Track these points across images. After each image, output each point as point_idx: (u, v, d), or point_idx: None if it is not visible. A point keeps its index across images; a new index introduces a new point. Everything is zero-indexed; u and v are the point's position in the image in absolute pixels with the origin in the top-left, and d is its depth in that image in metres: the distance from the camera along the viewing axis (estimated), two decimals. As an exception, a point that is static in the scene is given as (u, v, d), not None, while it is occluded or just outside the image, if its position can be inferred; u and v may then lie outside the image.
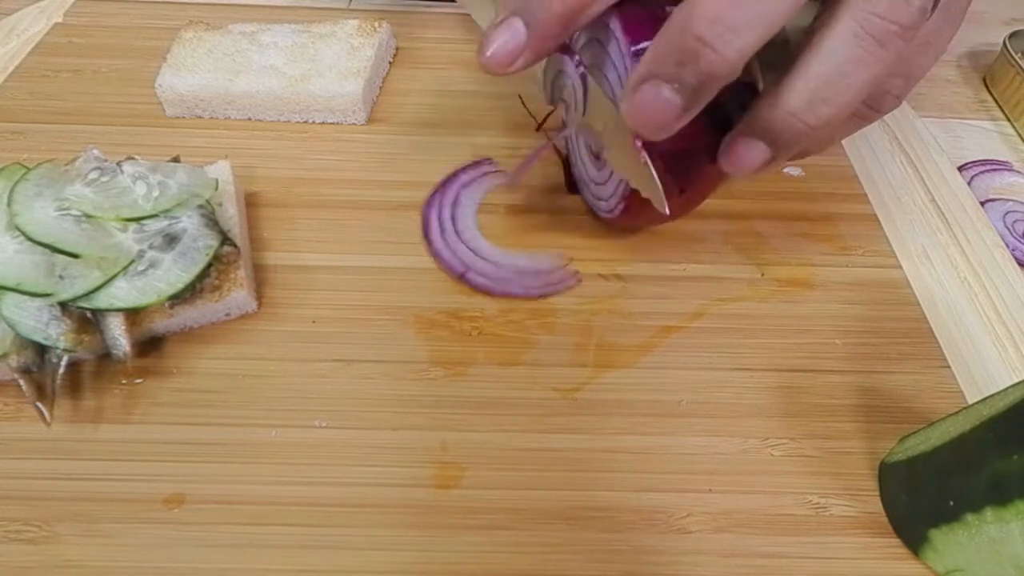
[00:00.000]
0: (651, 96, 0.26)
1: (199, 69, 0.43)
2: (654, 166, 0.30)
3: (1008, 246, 0.40)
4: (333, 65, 0.44)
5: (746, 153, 0.28)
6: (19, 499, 0.28)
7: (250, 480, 0.29)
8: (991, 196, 0.44)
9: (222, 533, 0.27)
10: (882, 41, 0.25)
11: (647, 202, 0.33)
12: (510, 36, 0.28)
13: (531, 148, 0.43)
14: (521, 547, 0.27)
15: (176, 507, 0.28)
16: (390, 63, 0.49)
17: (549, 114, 0.44)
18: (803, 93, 0.26)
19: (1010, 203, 0.43)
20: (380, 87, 0.47)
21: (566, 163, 0.41)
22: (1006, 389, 0.25)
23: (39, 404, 0.29)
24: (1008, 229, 0.42)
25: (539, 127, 0.44)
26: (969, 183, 0.44)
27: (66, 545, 0.27)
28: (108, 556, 0.27)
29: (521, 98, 0.45)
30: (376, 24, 0.47)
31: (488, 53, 0.28)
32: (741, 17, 0.24)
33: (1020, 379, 0.29)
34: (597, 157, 0.35)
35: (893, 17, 0.24)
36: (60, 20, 0.50)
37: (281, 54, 0.44)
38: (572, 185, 0.40)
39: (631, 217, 0.35)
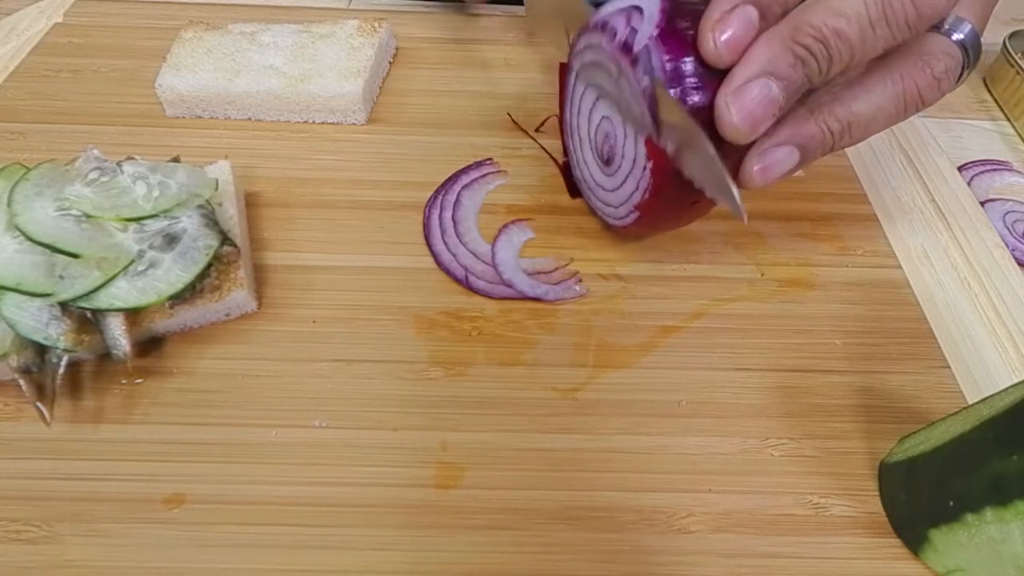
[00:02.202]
0: (763, 93, 0.27)
1: (199, 69, 0.43)
2: (673, 182, 0.31)
3: (1008, 246, 0.40)
4: (333, 65, 0.44)
5: (778, 160, 0.30)
6: (19, 499, 0.28)
7: (250, 480, 0.29)
8: (991, 196, 0.44)
9: (222, 533, 0.27)
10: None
11: (659, 213, 0.34)
12: (744, 23, 0.27)
13: (532, 148, 0.43)
14: (521, 547, 0.27)
15: (176, 507, 0.28)
16: (390, 63, 0.49)
17: (547, 119, 0.44)
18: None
19: (1010, 203, 0.43)
20: (380, 87, 0.47)
21: (566, 168, 0.41)
22: (1006, 389, 0.25)
23: (39, 404, 0.29)
24: (1008, 229, 0.42)
25: (539, 128, 0.44)
26: (969, 183, 0.44)
27: (66, 545, 0.27)
28: (108, 556, 0.27)
29: (510, 115, 0.45)
30: (376, 24, 0.47)
31: (723, 38, 0.27)
32: (854, 36, 0.26)
33: (1020, 379, 0.29)
34: (606, 163, 0.35)
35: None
36: (60, 20, 0.50)
37: (281, 54, 0.44)
38: (573, 189, 0.40)
39: (642, 227, 0.35)
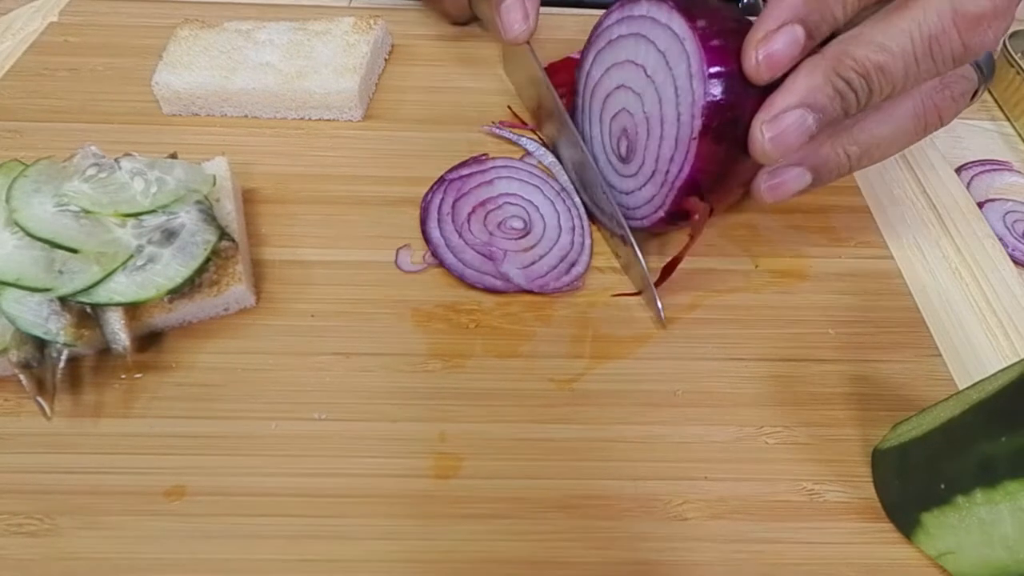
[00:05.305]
0: (798, 123, 0.27)
1: (195, 67, 0.43)
2: (703, 198, 0.32)
3: (1008, 246, 0.40)
4: (329, 62, 0.44)
5: (788, 180, 0.31)
6: (21, 493, 0.28)
7: (250, 472, 0.29)
8: (991, 196, 0.44)
9: (223, 525, 0.27)
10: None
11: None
12: (789, 42, 0.27)
13: (527, 143, 0.43)
14: (519, 535, 0.28)
15: (177, 499, 0.28)
16: (386, 60, 0.49)
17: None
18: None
19: (1010, 203, 0.43)
20: (376, 84, 0.47)
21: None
22: (995, 374, 0.25)
23: (39, 399, 0.29)
24: (1008, 229, 0.42)
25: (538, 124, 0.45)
26: (969, 183, 0.44)
27: (67, 538, 0.27)
28: (109, 548, 0.27)
29: (510, 108, 0.45)
30: (372, 21, 0.47)
31: (764, 55, 0.27)
32: (897, 72, 0.27)
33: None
34: (623, 161, 0.35)
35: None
36: (56, 19, 0.50)
37: (277, 51, 0.44)
38: None
39: (663, 226, 0.35)
